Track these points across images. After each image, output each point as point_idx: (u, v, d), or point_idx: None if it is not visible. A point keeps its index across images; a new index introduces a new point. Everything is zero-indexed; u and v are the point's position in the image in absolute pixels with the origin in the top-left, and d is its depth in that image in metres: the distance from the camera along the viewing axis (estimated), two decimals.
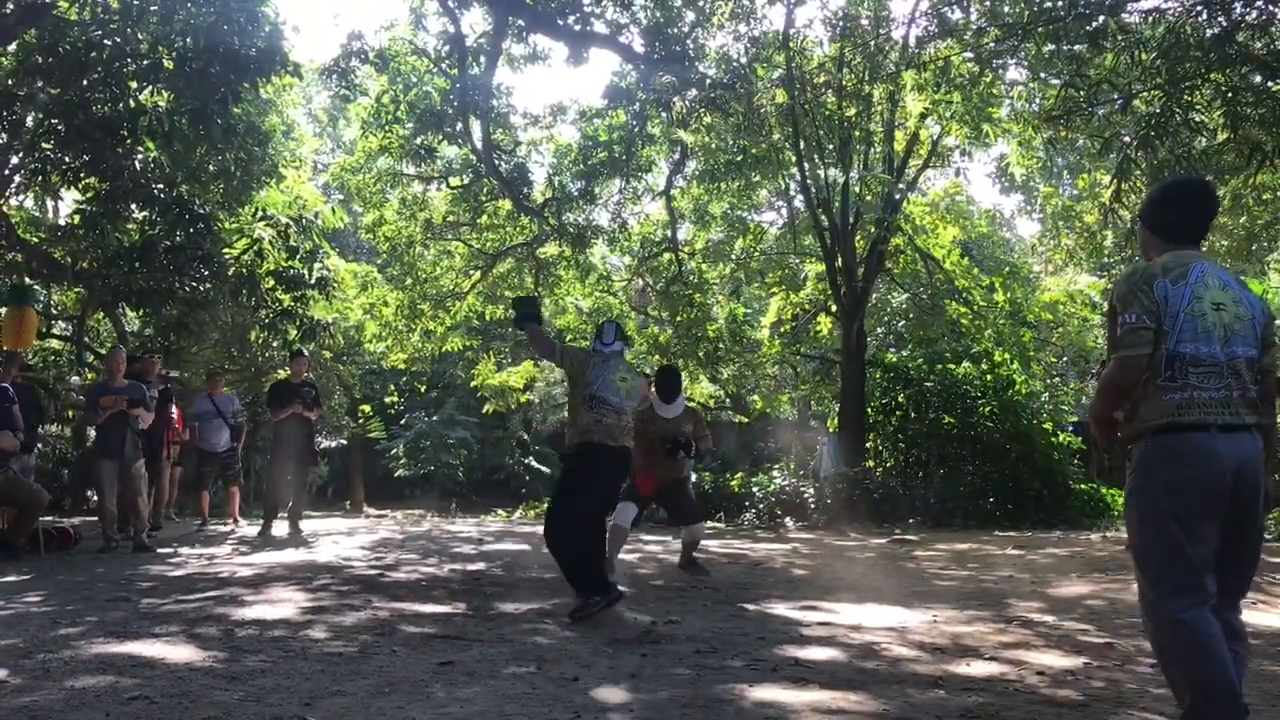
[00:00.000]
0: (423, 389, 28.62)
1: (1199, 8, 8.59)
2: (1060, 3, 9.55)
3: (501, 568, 8.60)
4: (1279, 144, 8.83)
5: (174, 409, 12.10)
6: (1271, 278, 20.93)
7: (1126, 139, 9.25)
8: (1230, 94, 8.44)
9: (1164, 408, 3.25)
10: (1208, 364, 3.24)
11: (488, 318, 23.13)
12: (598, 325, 6.99)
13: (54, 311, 17.81)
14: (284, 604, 6.21)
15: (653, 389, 8.23)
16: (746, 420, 24.87)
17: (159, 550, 9.51)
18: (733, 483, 16.68)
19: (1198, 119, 8.72)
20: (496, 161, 17.83)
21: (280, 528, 11.37)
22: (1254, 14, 8.32)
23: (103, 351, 15.17)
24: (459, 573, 8.20)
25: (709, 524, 14.98)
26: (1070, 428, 18.27)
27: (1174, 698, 3.36)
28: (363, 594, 6.72)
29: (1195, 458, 3.22)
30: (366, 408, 27.53)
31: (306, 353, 12.71)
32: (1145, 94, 9.40)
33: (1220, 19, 8.36)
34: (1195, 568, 3.23)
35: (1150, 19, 9.30)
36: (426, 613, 6.03)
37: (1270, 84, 8.71)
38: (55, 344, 18.04)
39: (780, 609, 6.46)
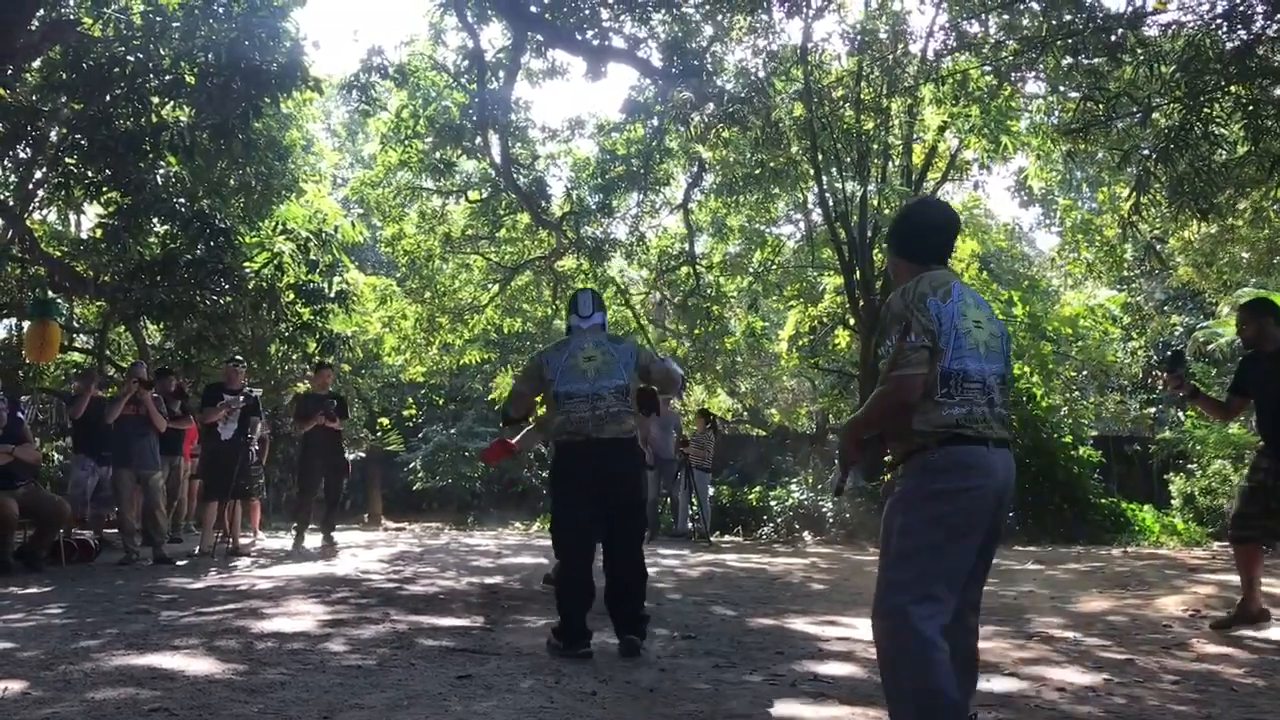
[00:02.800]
0: (441, 402, 28.66)
1: (1219, 20, 8.56)
2: (1078, 16, 9.54)
3: (519, 581, 8.60)
4: None
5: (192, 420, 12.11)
6: None
7: (1145, 152, 9.20)
8: (1250, 107, 8.41)
9: (944, 421, 3.27)
10: (976, 380, 3.30)
11: (506, 331, 23.17)
12: (571, 296, 5.81)
13: (76, 325, 17.96)
14: (303, 617, 6.23)
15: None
16: (765, 433, 24.81)
17: (178, 563, 9.56)
18: (750, 496, 16.64)
19: (1217, 132, 8.68)
20: (515, 175, 17.89)
21: (312, 540, 11.42)
22: (1275, 27, 8.28)
23: (124, 365, 15.27)
24: (477, 586, 8.21)
25: (727, 537, 14.97)
26: (1091, 442, 18.16)
27: (890, 712, 3.32)
28: (381, 607, 6.74)
29: (977, 471, 3.29)
30: (385, 420, 27.59)
31: (330, 365, 12.73)
32: (1164, 107, 9.36)
33: (1240, 32, 8.33)
34: (948, 581, 3.28)
35: (1169, 32, 9.28)
36: (444, 626, 6.04)
37: None
38: (77, 357, 18.18)
39: (799, 624, 6.44)
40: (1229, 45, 8.42)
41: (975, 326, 3.34)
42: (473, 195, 19.87)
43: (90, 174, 12.59)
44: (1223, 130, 8.84)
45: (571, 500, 5.32)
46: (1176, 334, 27.47)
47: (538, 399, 5.86)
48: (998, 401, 3.35)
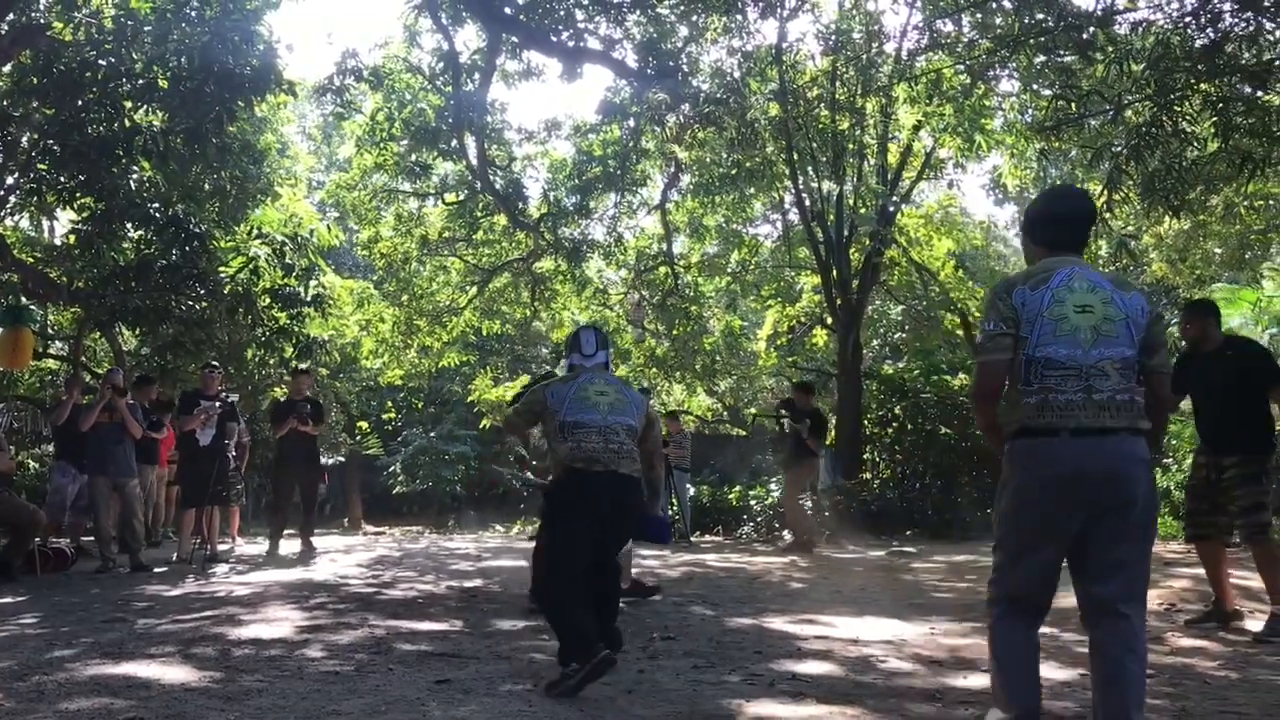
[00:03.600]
0: (420, 405, 28.60)
1: (1188, 18, 8.63)
2: (1050, 14, 9.59)
3: (499, 584, 8.59)
4: (1269, 153, 8.87)
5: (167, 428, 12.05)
6: (1266, 285, 20.95)
7: (1117, 149, 9.27)
8: (1220, 104, 8.48)
9: (1021, 411, 3.30)
10: (1065, 366, 3.25)
11: (484, 333, 23.14)
12: (572, 334, 5.62)
13: (50, 331, 17.81)
14: (280, 623, 6.21)
15: None
16: (744, 433, 24.85)
17: (156, 570, 9.50)
18: (730, 496, 16.66)
19: (1188, 129, 8.75)
20: (491, 177, 17.86)
21: (288, 545, 11.36)
22: (1242, 25, 8.35)
23: (99, 371, 15.15)
24: (456, 589, 8.19)
25: (707, 537, 15.00)
26: None
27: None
28: (359, 612, 6.72)
29: (1041, 462, 3.28)
30: (364, 424, 27.50)
31: (308, 370, 12.65)
32: (1135, 105, 9.43)
33: (1209, 30, 8.40)
34: (1028, 577, 3.37)
35: (1140, 30, 9.35)
36: (423, 630, 6.03)
37: (1259, 94, 8.75)
38: (52, 364, 18.04)
39: (777, 623, 6.46)
40: (1198, 43, 8.49)
41: (1077, 311, 3.28)
42: (449, 197, 19.82)
43: (62, 179, 12.47)
44: (1193, 128, 8.90)
45: (576, 529, 4.99)
46: None
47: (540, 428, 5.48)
48: (1104, 388, 3.24)
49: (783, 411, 12.92)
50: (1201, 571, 8.58)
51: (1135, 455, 3.29)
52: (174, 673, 4.72)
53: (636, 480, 5.05)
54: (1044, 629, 6.13)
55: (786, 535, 12.99)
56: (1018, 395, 3.31)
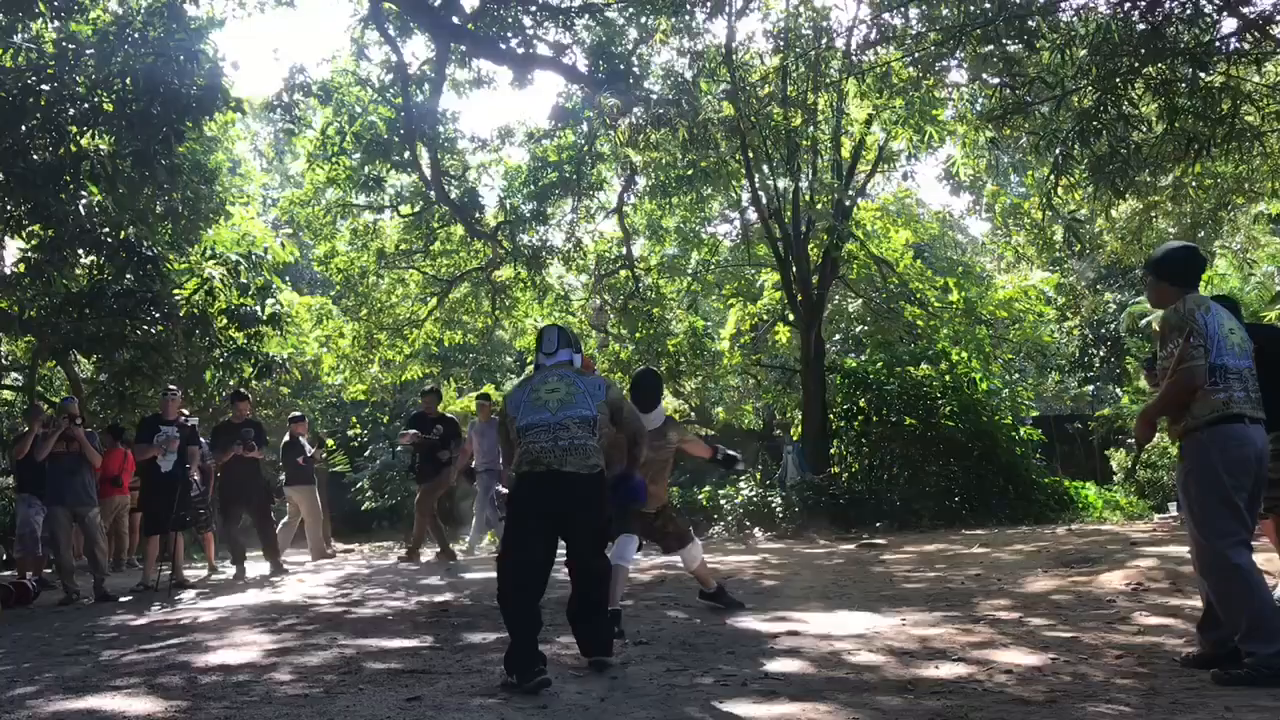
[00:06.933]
0: (385, 419, 28.41)
1: (1128, 3, 8.72)
2: (993, 5, 9.66)
3: (469, 597, 8.52)
4: (1214, 134, 8.98)
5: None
6: (1218, 264, 21.25)
7: (1065, 134, 9.34)
8: (1163, 87, 8.58)
9: (1213, 405, 4.44)
10: (1235, 372, 4.48)
11: (446, 344, 23.03)
12: (536, 334, 5.54)
13: (4, 362, 17.56)
14: (248, 648, 6.12)
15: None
16: (712, 432, 24.87)
17: (121, 599, 9.36)
18: (700, 496, 16.67)
19: (1132, 112, 8.84)
20: (446, 187, 17.78)
21: (256, 568, 11.26)
22: (1181, 7, 8.44)
23: (56, 400, 14.95)
24: (426, 605, 8.12)
25: None
26: (1031, 421, 18.42)
27: (1229, 626, 4.39)
28: (328, 632, 6.64)
29: (1238, 441, 4.43)
30: (330, 441, 27.27)
31: (246, 395, 12.45)
32: (1080, 90, 9.51)
33: (1149, 15, 8.48)
34: (1243, 520, 4.43)
35: (1081, 15, 9.44)
36: (393, 648, 5.97)
37: (1201, 76, 8.86)
38: (8, 395, 17.78)
39: (750, 622, 6.45)
40: (1139, 27, 8.58)
41: (1230, 333, 4.54)
42: (404, 209, 19.69)
43: (10, 207, 12.29)
44: (1137, 111, 9.00)
45: (524, 531, 5.02)
46: (1110, 311, 28.00)
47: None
48: (1252, 389, 4.53)
49: (414, 431, 11.84)
50: (1165, 550, 8.75)
51: (1267, 440, 4.61)
52: (139, 704, 4.64)
53: (583, 477, 4.96)
54: (1012, 615, 6.21)
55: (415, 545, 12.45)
56: (1205, 394, 4.45)
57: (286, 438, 12.83)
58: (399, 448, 13.76)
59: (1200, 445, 4.47)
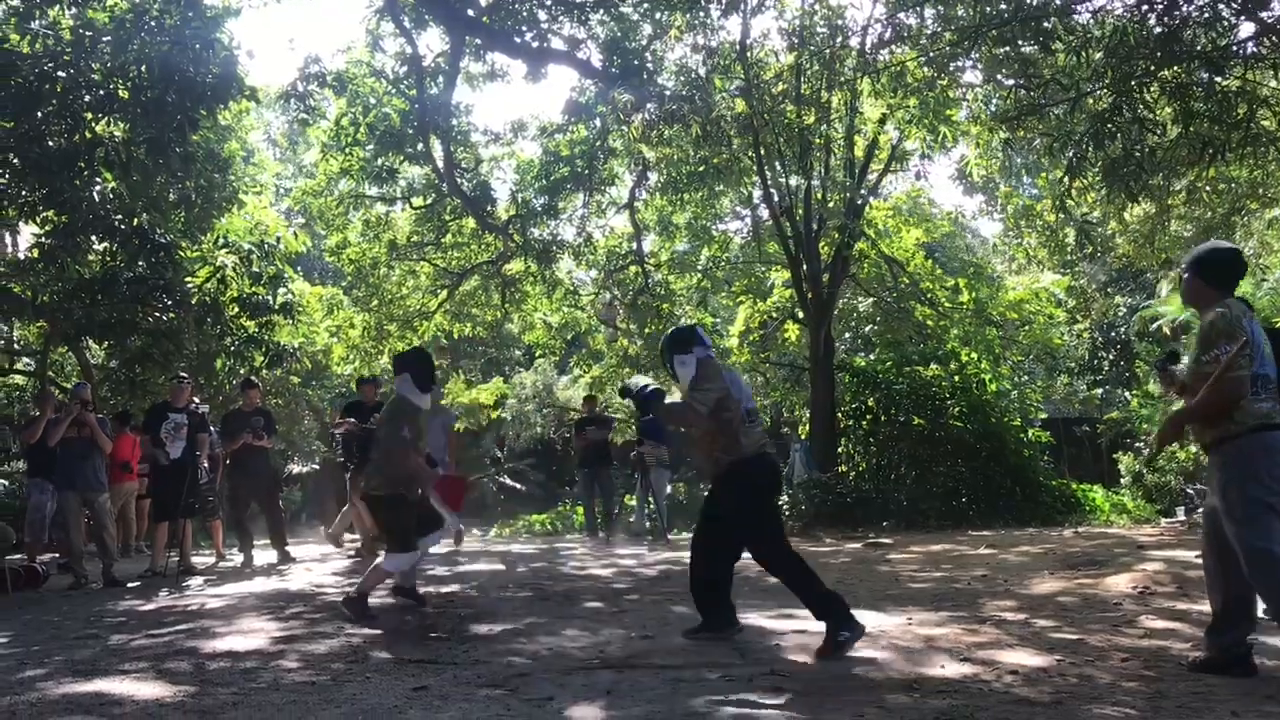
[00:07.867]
0: None
1: (1144, 6, 8.69)
2: (1010, 4, 9.64)
3: (476, 588, 8.54)
4: (1229, 138, 8.95)
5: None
6: None
7: (1078, 137, 9.32)
8: (1179, 90, 8.55)
9: (1255, 414, 4.43)
10: (1273, 382, 4.51)
11: (455, 335, 23.06)
12: (689, 328, 5.88)
13: (16, 347, 17.63)
14: (256, 634, 6.15)
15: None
16: None
17: (129, 585, 9.40)
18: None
19: (1147, 116, 8.81)
20: (459, 180, 17.79)
21: (264, 556, 11.29)
22: (1199, 11, 8.41)
23: (67, 386, 15.01)
24: (432, 595, 8.14)
25: (685, 535, 14.95)
26: (1040, 424, 18.38)
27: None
28: (335, 621, 6.65)
29: (1277, 450, 4.42)
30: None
31: (257, 383, 12.44)
32: (1095, 93, 9.49)
33: (1166, 17, 8.45)
34: None
35: (1098, 18, 9.41)
36: (399, 638, 5.99)
37: (1217, 80, 8.83)
38: (19, 380, 17.84)
39: (755, 618, 6.45)
40: (1156, 30, 8.56)
41: (1265, 343, 4.54)
42: (417, 201, 19.74)
43: (24, 193, 12.33)
44: (1152, 114, 8.97)
45: (759, 507, 5.73)
46: (1120, 314, 27.92)
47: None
48: (1277, 396, 4.51)
49: (352, 420, 11.32)
50: (1172, 554, 8.72)
51: None
52: (147, 689, 4.67)
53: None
54: (1018, 616, 6.20)
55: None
56: (1247, 402, 4.43)
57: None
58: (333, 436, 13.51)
59: (1242, 452, 4.46)
